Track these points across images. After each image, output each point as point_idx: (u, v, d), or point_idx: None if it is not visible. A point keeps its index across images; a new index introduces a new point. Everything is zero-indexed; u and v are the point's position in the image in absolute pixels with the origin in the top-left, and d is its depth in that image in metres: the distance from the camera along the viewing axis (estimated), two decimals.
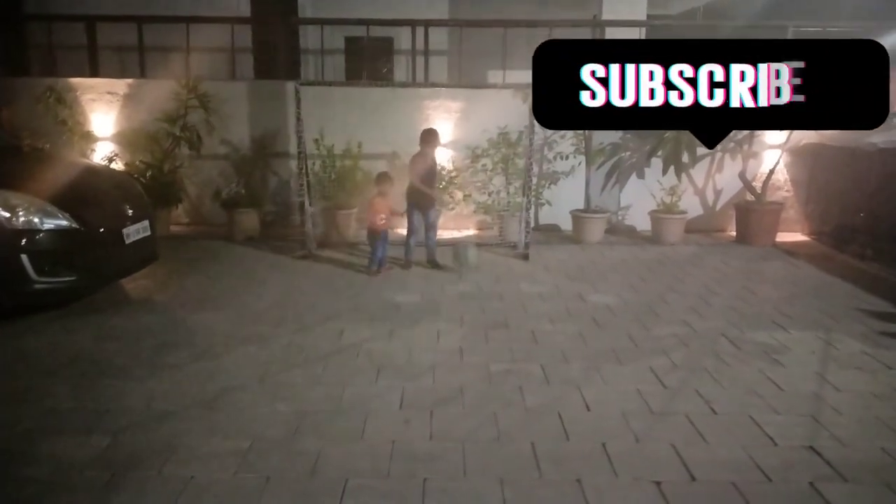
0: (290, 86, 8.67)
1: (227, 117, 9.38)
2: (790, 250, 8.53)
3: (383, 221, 7.13)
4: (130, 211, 6.12)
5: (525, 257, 7.97)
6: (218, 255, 8.05)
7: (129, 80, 9.53)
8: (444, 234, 9.05)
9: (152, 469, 3.38)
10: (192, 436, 3.72)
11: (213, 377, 4.51)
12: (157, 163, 9.09)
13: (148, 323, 5.57)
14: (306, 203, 7.88)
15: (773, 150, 9.23)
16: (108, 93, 9.44)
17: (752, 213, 8.99)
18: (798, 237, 9.35)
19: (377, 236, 7.17)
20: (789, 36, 9.64)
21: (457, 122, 9.39)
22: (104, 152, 9.30)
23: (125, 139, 9.41)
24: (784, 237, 9.13)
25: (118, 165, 9.13)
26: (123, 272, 6.27)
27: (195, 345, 5.12)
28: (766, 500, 3.18)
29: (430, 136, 7.40)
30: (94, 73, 9.77)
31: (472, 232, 9.44)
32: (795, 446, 3.68)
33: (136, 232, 6.07)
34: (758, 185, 9.14)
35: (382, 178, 7.26)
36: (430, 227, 7.52)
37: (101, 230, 5.72)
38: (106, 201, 6.07)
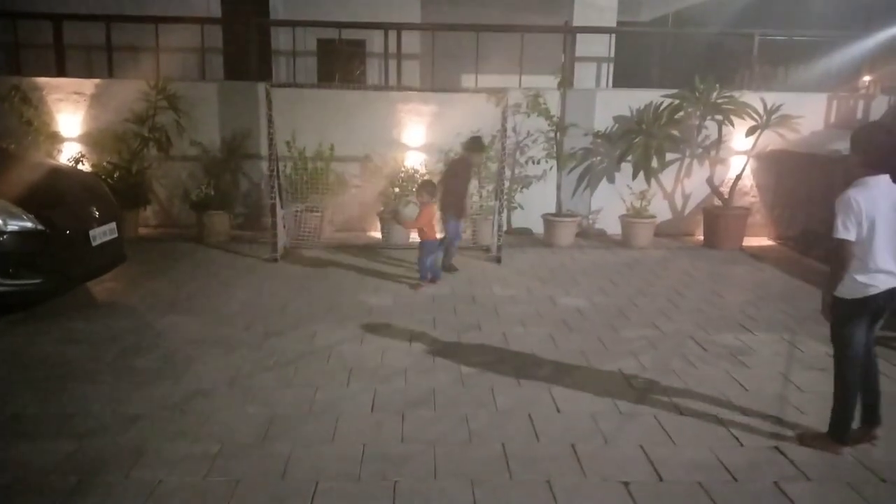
0: (261, 87, 8.61)
1: (197, 118, 9.29)
2: (756, 254, 8.69)
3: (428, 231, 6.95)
4: (97, 212, 6.02)
5: (497, 260, 8.01)
6: (187, 257, 7.97)
7: (97, 80, 9.39)
8: (417, 236, 9.05)
9: (119, 473, 3.33)
10: (161, 440, 3.68)
11: (182, 381, 4.47)
12: (125, 164, 8.97)
13: (115, 326, 5.49)
14: (277, 205, 7.83)
15: (740, 157, 9.38)
16: (75, 93, 9.29)
17: (720, 217, 9.14)
18: (764, 241, 9.52)
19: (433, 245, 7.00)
20: (756, 44, 9.83)
21: (430, 125, 9.41)
22: (71, 153, 9.15)
23: (92, 140, 9.26)
24: (750, 241, 9.29)
25: (85, 166, 8.98)
26: (90, 275, 6.16)
27: (163, 348, 5.06)
28: (731, 500, 3.23)
29: (476, 146, 7.48)
30: (61, 73, 9.60)
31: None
32: (760, 446, 3.76)
33: (103, 234, 5.98)
34: (725, 190, 9.29)
35: (429, 185, 7.07)
36: (458, 236, 7.57)
37: (68, 232, 5.62)
38: (72, 202, 5.96)
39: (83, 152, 9.16)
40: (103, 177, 8.46)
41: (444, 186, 7.23)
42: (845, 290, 3.56)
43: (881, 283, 3.49)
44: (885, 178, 3.48)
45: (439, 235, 7.21)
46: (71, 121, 9.31)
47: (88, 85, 9.33)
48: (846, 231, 3.43)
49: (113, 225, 6.18)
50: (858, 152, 3.55)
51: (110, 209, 6.27)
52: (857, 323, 3.59)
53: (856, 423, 3.76)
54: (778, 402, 4.32)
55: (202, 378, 4.52)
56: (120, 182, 8.73)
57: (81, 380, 4.44)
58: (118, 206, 6.58)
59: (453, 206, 7.26)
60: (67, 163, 8.79)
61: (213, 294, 6.49)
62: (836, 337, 3.69)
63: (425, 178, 7.57)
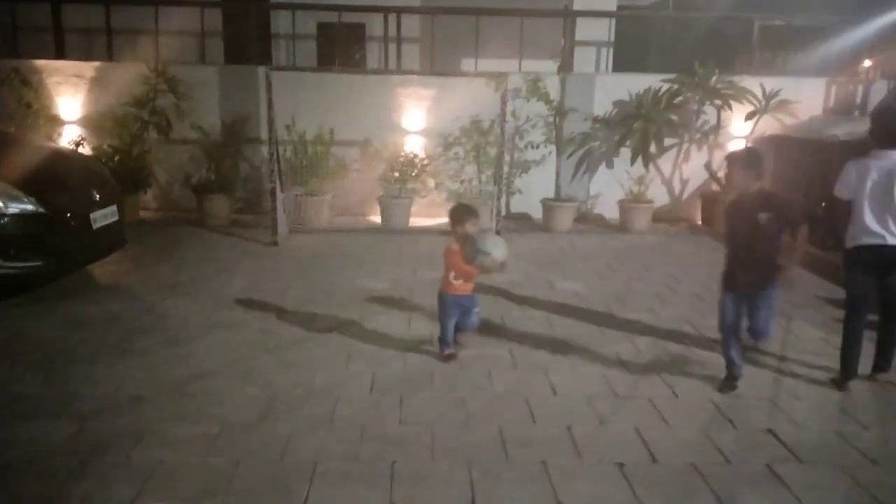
0: (261, 71, 8.59)
1: (197, 102, 9.27)
2: None
3: (460, 282, 4.52)
4: (98, 195, 6.04)
5: None
6: (187, 240, 7.99)
7: (97, 63, 9.37)
8: (416, 220, 9.09)
9: (121, 454, 3.38)
10: (162, 421, 3.72)
11: (183, 363, 4.51)
12: (125, 147, 8.96)
13: (116, 309, 5.53)
14: (277, 189, 7.85)
15: (739, 141, 9.38)
16: (75, 75, 9.27)
17: (718, 202, 9.14)
18: None
19: (448, 302, 4.56)
20: (755, 29, 9.80)
21: (429, 109, 9.40)
22: (71, 136, 9.15)
23: (92, 123, 9.25)
24: None
25: (85, 149, 8.98)
26: (91, 258, 6.18)
27: (164, 331, 5.10)
28: (724, 481, 3.29)
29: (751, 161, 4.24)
30: (61, 56, 9.58)
31: (443, 220, 9.46)
32: (754, 429, 3.81)
33: (103, 217, 6.00)
34: (723, 175, 9.29)
35: (464, 211, 4.55)
36: (766, 306, 4.51)
37: (68, 215, 5.64)
38: (73, 185, 5.98)
39: (83, 135, 9.16)
40: (104, 160, 8.45)
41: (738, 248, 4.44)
42: (846, 240, 4.22)
43: (865, 239, 4.08)
44: (888, 152, 4.04)
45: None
46: (71, 104, 9.30)
47: (88, 68, 9.31)
48: (838, 190, 4.25)
49: (114, 208, 6.19)
50: (872, 130, 4.19)
51: (111, 192, 6.29)
52: (854, 269, 4.23)
53: None
54: (772, 387, 4.37)
55: (202, 360, 4.56)
56: (120, 165, 8.72)
57: (82, 362, 4.49)
58: (118, 189, 6.59)
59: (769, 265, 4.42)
60: (68, 146, 8.79)
61: (213, 277, 6.52)
62: (843, 281, 4.44)
63: (462, 203, 5.42)
